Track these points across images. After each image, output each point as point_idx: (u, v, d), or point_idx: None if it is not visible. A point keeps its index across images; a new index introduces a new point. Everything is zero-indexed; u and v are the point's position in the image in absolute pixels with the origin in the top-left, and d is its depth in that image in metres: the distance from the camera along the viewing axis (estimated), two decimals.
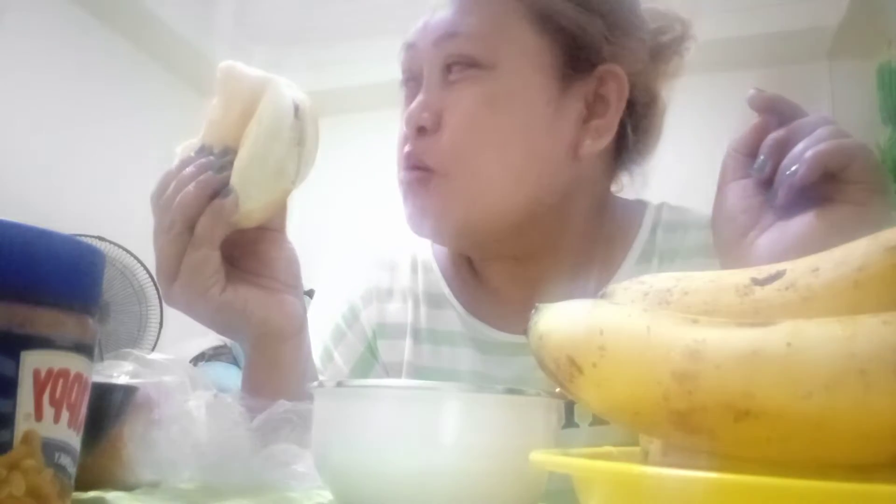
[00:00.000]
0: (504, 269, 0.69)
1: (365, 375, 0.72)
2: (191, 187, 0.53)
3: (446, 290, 0.72)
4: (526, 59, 0.63)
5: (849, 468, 0.22)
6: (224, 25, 2.97)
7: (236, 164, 0.54)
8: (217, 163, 0.54)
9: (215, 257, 0.55)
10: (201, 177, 0.54)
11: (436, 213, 0.63)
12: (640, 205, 0.73)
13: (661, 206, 0.73)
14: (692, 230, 0.68)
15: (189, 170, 0.54)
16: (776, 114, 0.51)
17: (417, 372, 0.70)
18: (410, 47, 0.66)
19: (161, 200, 0.55)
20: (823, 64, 2.75)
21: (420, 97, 0.63)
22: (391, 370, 0.72)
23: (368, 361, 0.73)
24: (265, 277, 0.59)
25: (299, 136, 0.57)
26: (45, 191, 2.18)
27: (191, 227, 0.53)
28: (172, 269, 0.54)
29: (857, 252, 0.26)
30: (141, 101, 2.70)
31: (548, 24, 0.63)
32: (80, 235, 1.20)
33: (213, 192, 0.53)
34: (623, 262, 0.68)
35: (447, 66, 0.63)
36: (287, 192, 0.58)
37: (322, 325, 0.74)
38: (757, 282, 0.28)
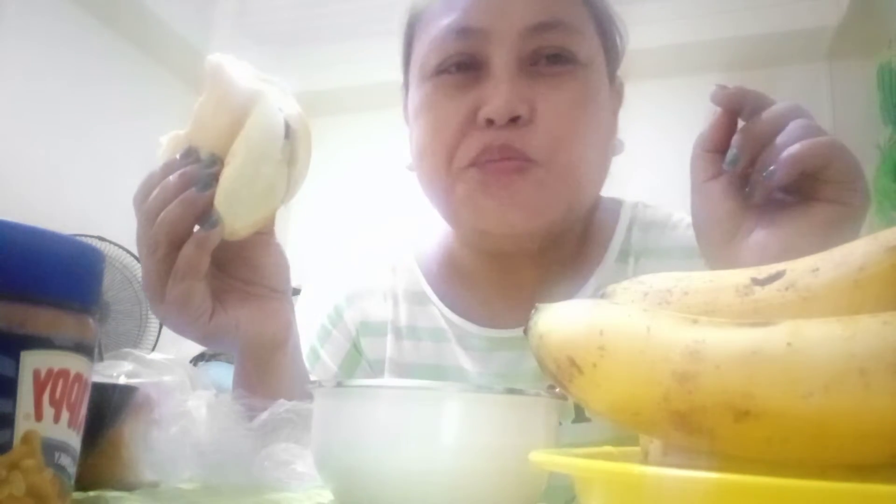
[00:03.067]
0: (493, 267, 0.70)
1: (352, 372, 0.74)
2: (175, 206, 0.51)
3: (427, 289, 0.73)
4: (600, 60, 0.65)
5: (849, 468, 0.22)
6: (224, 25, 2.97)
7: (222, 182, 0.51)
8: (203, 174, 0.52)
9: (200, 288, 0.53)
10: (186, 195, 0.51)
11: (533, 204, 0.61)
12: (616, 203, 0.74)
13: (636, 205, 0.74)
14: (667, 230, 0.70)
15: (173, 178, 0.52)
16: (742, 107, 0.50)
17: (401, 368, 0.71)
18: (473, 33, 0.61)
19: (144, 207, 0.53)
20: (823, 64, 2.75)
21: (504, 85, 0.59)
22: (375, 367, 0.73)
23: (355, 358, 0.74)
24: (254, 284, 0.59)
25: (289, 156, 0.54)
26: (45, 191, 2.18)
27: (177, 247, 0.52)
28: (159, 291, 0.53)
29: (857, 252, 0.26)
30: (141, 101, 2.70)
31: (600, 28, 0.66)
32: (80, 235, 1.21)
33: (199, 212, 0.52)
34: (602, 260, 0.69)
35: (534, 57, 0.61)
36: (275, 210, 0.56)
37: (308, 327, 0.75)
38: (757, 282, 0.28)
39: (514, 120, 0.59)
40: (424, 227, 0.78)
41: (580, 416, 0.64)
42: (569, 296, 0.67)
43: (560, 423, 0.64)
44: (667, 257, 0.68)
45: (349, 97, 3.36)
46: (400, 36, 0.70)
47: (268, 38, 3.28)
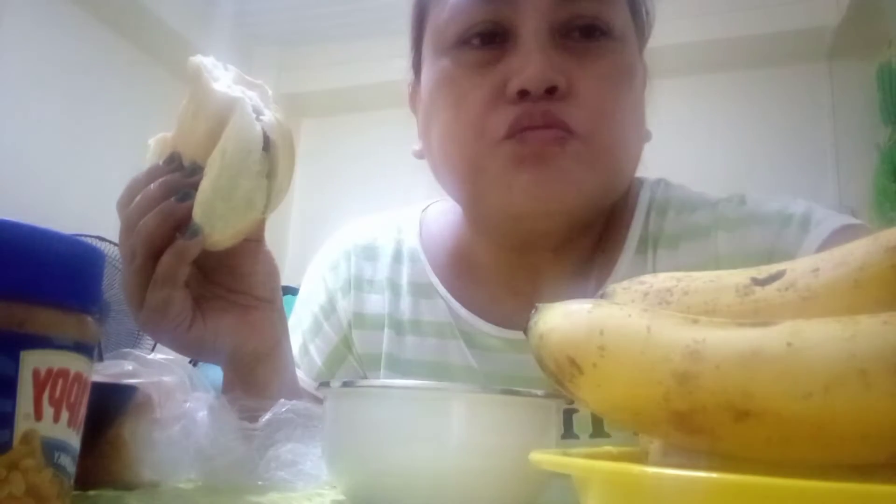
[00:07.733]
0: (509, 262, 0.66)
1: (336, 368, 0.71)
2: (153, 217, 0.50)
3: (435, 280, 0.69)
4: (632, 36, 0.62)
5: (849, 468, 0.22)
6: (224, 25, 2.97)
7: (199, 195, 0.50)
8: (182, 184, 0.51)
9: (179, 297, 0.52)
10: (164, 205, 0.50)
11: (570, 181, 0.56)
12: (637, 183, 0.68)
13: (657, 183, 0.69)
14: (684, 213, 0.65)
15: (154, 187, 0.51)
16: None
17: (401, 365, 0.68)
18: (501, 0, 0.57)
19: (126, 213, 0.52)
20: (823, 64, 2.76)
21: (537, 54, 0.55)
22: (366, 362, 0.71)
23: (341, 353, 0.72)
24: (239, 293, 0.57)
25: (269, 168, 0.52)
26: (45, 191, 2.19)
27: (154, 256, 0.51)
28: (138, 298, 0.52)
29: (857, 252, 0.26)
30: (141, 101, 2.71)
31: (632, 4, 0.63)
32: (80, 235, 1.20)
33: (176, 223, 0.50)
34: (621, 253, 0.64)
35: (566, 27, 0.57)
36: (255, 221, 0.54)
37: (302, 317, 0.73)
38: (757, 282, 0.28)
39: (549, 91, 0.55)
40: (433, 215, 0.74)
41: (598, 430, 0.62)
42: (589, 297, 0.65)
43: (577, 437, 0.63)
44: (675, 245, 0.63)
45: (348, 97, 3.35)
46: (408, 10, 0.66)
47: (268, 38, 3.28)
